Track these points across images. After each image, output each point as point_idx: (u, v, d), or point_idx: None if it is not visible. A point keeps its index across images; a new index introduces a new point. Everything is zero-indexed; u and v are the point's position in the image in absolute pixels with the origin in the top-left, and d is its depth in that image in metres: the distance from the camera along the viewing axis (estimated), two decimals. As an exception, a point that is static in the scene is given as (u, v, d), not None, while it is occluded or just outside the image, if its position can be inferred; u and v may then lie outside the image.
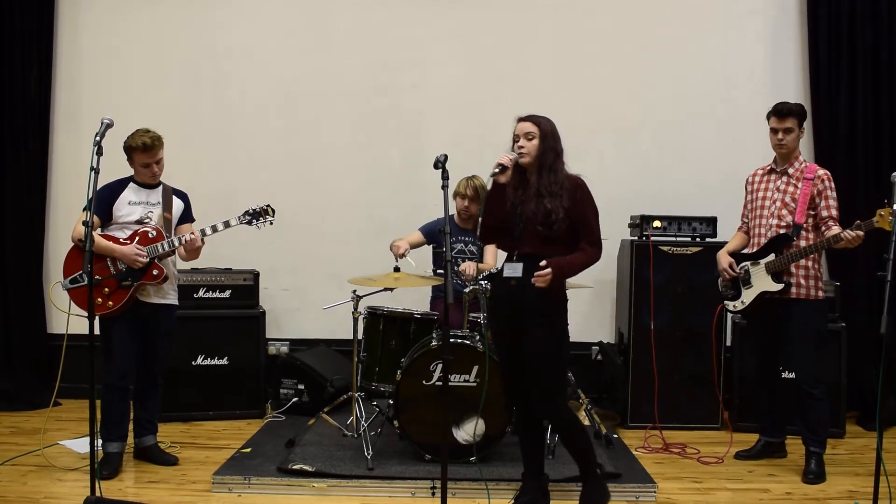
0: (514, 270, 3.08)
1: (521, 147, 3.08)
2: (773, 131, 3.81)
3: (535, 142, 3.07)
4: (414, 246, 4.32)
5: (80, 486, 3.43)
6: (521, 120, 3.14)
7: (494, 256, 4.42)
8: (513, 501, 3.26)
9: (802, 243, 3.68)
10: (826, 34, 4.87)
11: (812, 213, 3.72)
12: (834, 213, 3.69)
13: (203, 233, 3.63)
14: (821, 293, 3.76)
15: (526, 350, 3.06)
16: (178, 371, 4.49)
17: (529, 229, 3.04)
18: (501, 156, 3.08)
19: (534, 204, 3.02)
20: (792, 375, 3.91)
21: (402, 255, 4.14)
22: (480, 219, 3.16)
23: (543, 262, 2.96)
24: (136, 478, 3.62)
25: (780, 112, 3.77)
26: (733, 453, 4.02)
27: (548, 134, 3.08)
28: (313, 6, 5.19)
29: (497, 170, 3.04)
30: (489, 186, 3.10)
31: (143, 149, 3.60)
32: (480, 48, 5.15)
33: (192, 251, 3.64)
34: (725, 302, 3.96)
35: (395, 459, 3.67)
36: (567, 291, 3.21)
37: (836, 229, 3.59)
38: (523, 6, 5.15)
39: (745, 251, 3.92)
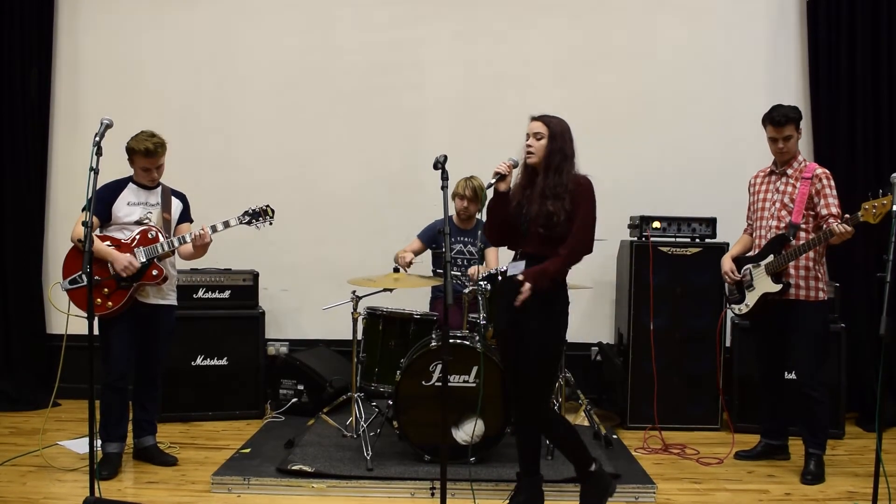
0: (517, 269, 3.07)
1: (529, 146, 3.06)
2: (773, 140, 3.75)
3: (543, 142, 3.04)
4: (416, 254, 4.34)
5: (79, 486, 3.44)
6: (532, 119, 3.11)
7: (496, 258, 4.42)
8: (507, 502, 3.26)
9: (802, 242, 3.64)
10: (826, 34, 4.87)
11: (811, 212, 3.69)
12: (834, 210, 3.63)
13: (213, 228, 3.61)
14: (822, 294, 3.72)
15: (519, 348, 3.05)
16: (177, 371, 4.49)
17: (532, 230, 3.03)
18: (499, 164, 3.07)
19: (537, 205, 3.00)
20: (794, 376, 3.89)
21: (410, 264, 4.15)
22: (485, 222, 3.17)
23: (520, 278, 2.93)
24: (136, 478, 3.62)
25: (778, 122, 3.70)
26: (734, 454, 4.02)
27: (556, 135, 3.03)
28: (313, 6, 5.19)
29: (494, 179, 3.05)
30: (490, 194, 3.09)
31: (146, 154, 3.59)
32: (480, 48, 5.15)
33: (201, 247, 3.62)
34: (731, 306, 3.94)
35: (395, 460, 3.67)
36: (569, 293, 3.18)
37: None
38: (523, 7, 5.14)
39: (748, 254, 3.90)
